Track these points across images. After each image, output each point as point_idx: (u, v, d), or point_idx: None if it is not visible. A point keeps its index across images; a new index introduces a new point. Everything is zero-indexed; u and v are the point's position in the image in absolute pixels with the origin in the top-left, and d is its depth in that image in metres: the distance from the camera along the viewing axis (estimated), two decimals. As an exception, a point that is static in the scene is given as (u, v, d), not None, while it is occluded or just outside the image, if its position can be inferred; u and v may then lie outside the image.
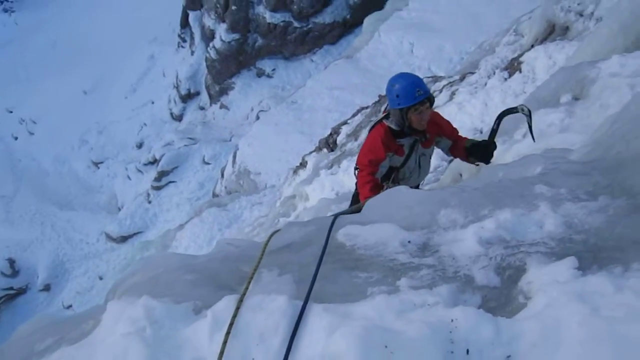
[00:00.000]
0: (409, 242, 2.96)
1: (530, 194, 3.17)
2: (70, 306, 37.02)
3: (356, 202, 5.71)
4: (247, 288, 2.67)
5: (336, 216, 3.41)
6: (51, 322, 3.80)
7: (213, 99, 43.57)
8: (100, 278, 38.04)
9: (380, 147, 4.97)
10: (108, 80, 52.60)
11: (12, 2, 69.31)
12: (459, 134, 5.56)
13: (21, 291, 40.91)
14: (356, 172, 5.23)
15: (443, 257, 2.80)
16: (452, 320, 2.23)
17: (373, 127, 5.24)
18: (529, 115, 5.15)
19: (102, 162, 48.16)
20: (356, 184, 5.39)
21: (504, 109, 5.39)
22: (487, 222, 2.93)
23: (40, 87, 54.83)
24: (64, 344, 2.93)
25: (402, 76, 4.84)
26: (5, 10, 67.97)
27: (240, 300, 2.56)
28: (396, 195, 3.60)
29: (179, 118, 46.28)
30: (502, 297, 2.50)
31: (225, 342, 2.31)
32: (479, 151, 5.25)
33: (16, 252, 42.61)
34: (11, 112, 55.19)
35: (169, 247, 29.73)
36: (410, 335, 2.13)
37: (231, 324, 2.40)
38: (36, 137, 52.27)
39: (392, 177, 5.23)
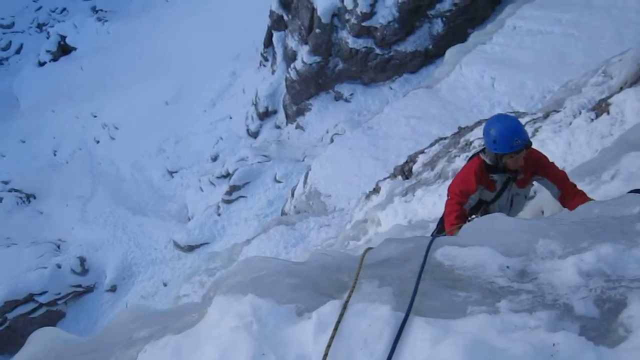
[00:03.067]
0: (508, 267, 3.02)
1: (631, 231, 3.19)
2: (133, 309, 37.80)
3: (442, 227, 5.76)
4: (350, 295, 2.79)
5: (434, 237, 3.49)
6: (148, 313, 4.00)
7: (289, 118, 44.11)
8: (165, 284, 38.80)
9: (472, 180, 4.98)
10: (189, 93, 53.96)
11: (106, 12, 72.18)
12: (569, 181, 5.19)
13: (89, 289, 42.10)
14: (446, 199, 5.28)
15: (542, 285, 2.85)
16: (553, 344, 2.29)
17: (470, 158, 5.26)
18: None
19: (176, 172, 49.28)
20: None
21: (634, 189, 4.81)
22: (587, 255, 2.96)
23: (124, 94, 56.75)
24: (169, 333, 3.11)
25: (501, 121, 4.70)
26: (99, 19, 70.80)
27: (345, 306, 2.67)
28: (493, 222, 3.67)
29: (254, 135, 46.99)
30: (601, 328, 2.54)
31: (330, 344, 2.43)
32: None
33: (88, 252, 43.96)
34: (95, 116, 57.29)
35: (235, 260, 30.08)
36: (514, 353, 2.20)
37: (336, 327, 2.52)
38: (117, 142, 54.01)
39: (482, 209, 5.23)
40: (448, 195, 5.28)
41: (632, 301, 2.58)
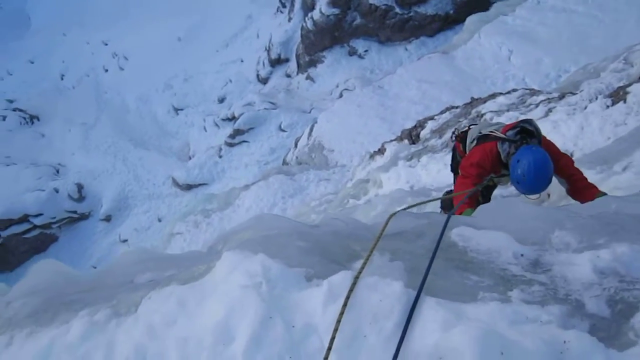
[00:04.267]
0: (522, 255, 2.99)
1: (650, 232, 3.15)
2: (126, 240, 38.16)
3: (449, 204, 5.72)
4: (363, 267, 2.76)
5: (449, 215, 3.45)
6: (151, 257, 3.98)
7: (301, 68, 43.76)
8: (159, 220, 39.03)
9: (488, 164, 4.92)
10: (203, 32, 53.45)
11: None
12: (578, 174, 5.06)
13: (83, 217, 42.39)
14: (455, 176, 5.22)
15: (555, 277, 2.82)
16: (564, 342, 2.27)
17: (484, 140, 5.12)
18: None
19: (182, 109, 49.14)
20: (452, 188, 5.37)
21: None
22: (603, 252, 2.93)
23: (137, 26, 56.26)
24: (174, 282, 3.09)
25: (537, 166, 4.39)
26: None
27: (357, 277, 2.65)
28: (510, 206, 3.63)
29: (264, 81, 46.72)
30: (611, 329, 2.52)
31: (340, 319, 2.41)
32: None
33: (86, 179, 44.14)
34: (106, 44, 56.89)
35: (231, 204, 30.23)
36: (526, 347, 2.18)
37: (346, 301, 2.50)
38: (125, 73, 53.74)
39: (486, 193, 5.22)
40: (460, 172, 5.20)
41: (645, 305, 2.56)
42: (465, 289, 2.72)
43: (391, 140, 19.67)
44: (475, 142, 5.33)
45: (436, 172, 13.50)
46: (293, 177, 29.81)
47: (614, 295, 2.68)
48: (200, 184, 40.45)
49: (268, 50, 46.76)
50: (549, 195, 8.22)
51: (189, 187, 40.72)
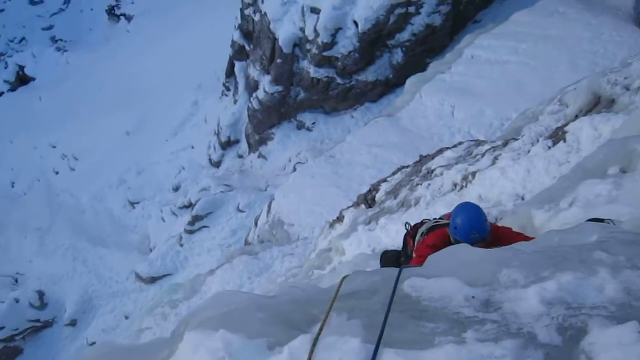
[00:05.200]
0: (473, 297, 3.11)
1: (590, 259, 3.30)
2: (94, 343, 37.09)
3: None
4: (321, 328, 2.83)
5: (401, 268, 3.57)
6: (113, 350, 3.97)
7: (252, 147, 44.12)
8: (126, 317, 38.16)
9: (441, 245, 5.25)
10: (151, 123, 53.66)
11: (65, 42, 71.65)
12: (524, 236, 5.60)
13: (47, 324, 41.16)
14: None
15: (506, 314, 2.94)
16: (519, 374, 2.37)
17: (435, 227, 5.72)
18: None
19: (138, 203, 48.73)
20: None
21: (590, 218, 5.31)
22: (548, 284, 3.07)
23: (84, 125, 56.15)
24: (138, 371, 3.11)
25: (465, 211, 5.16)
26: (59, 49, 70.18)
27: (316, 339, 2.72)
28: (457, 252, 3.76)
29: (217, 164, 46.85)
30: (564, 356, 2.62)
31: (303, 377, 2.47)
32: None
33: (46, 285, 43.08)
34: (54, 147, 56.53)
35: (198, 291, 29.83)
36: (481, 384, 2.27)
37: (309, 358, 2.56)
38: (76, 174, 53.30)
39: None
40: (414, 255, 5.71)
41: (592, 328, 2.68)
42: (422, 336, 2.81)
43: (348, 207, 19.86)
44: (424, 232, 5.92)
45: (395, 233, 13.66)
46: (257, 256, 29.65)
47: (562, 322, 2.80)
48: (164, 275, 39.82)
49: (217, 134, 47.09)
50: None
51: (152, 279, 40.03)
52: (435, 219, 6.15)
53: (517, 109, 23.92)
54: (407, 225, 6.86)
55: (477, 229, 5.04)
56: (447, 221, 5.54)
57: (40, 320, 41.02)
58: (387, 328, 2.84)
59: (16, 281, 43.99)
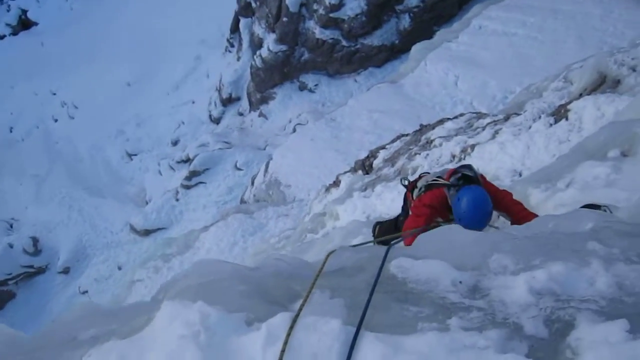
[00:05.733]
0: (460, 282, 3.02)
1: (583, 249, 3.21)
2: (86, 292, 37.37)
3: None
4: (302, 307, 2.75)
5: (389, 247, 3.48)
6: (95, 312, 3.91)
7: (253, 106, 43.86)
8: (119, 268, 38.35)
9: (438, 206, 5.29)
10: (153, 75, 53.22)
11: (70, -13, 70.62)
12: (522, 208, 5.48)
13: (40, 271, 41.39)
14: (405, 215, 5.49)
15: (493, 302, 2.86)
16: (502, 367, 2.29)
17: (431, 188, 5.49)
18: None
19: (136, 155, 48.65)
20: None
21: (588, 203, 5.19)
22: (538, 273, 2.98)
23: (86, 73, 55.66)
24: (114, 337, 3.03)
25: (476, 204, 4.85)
26: (63, -5, 69.20)
27: (295, 318, 2.64)
28: (449, 233, 3.67)
29: (217, 121, 46.64)
30: (549, 349, 2.55)
31: (280, 357, 2.39)
32: None
33: (41, 232, 43.19)
34: (55, 94, 56.15)
35: (191, 247, 29.93)
36: (462, 376, 2.19)
37: (286, 341, 2.48)
38: (76, 122, 53.07)
39: None
40: (412, 212, 5.56)
41: (580, 323, 2.60)
42: (405, 320, 2.74)
43: (345, 172, 19.77)
44: (422, 189, 5.70)
45: (390, 201, 13.58)
46: (252, 215, 29.69)
47: (550, 315, 2.72)
48: (158, 229, 39.94)
49: (219, 90, 46.76)
50: (499, 216, 8.34)
51: (147, 232, 40.16)
52: (434, 175, 5.84)
53: (522, 83, 23.72)
54: (403, 181, 6.67)
55: (484, 220, 4.89)
56: (445, 182, 5.32)
57: (33, 267, 41.25)
58: (370, 310, 2.77)
59: (11, 227, 44.11)
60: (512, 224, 5.36)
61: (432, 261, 3.22)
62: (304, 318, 2.69)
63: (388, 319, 2.76)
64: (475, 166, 5.51)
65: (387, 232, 6.51)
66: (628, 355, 2.24)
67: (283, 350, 2.42)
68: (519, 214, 5.29)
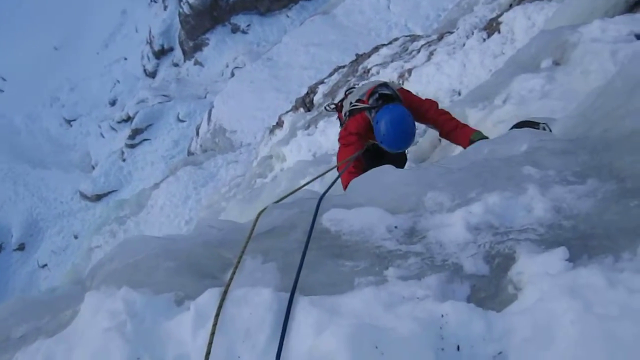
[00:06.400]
0: (396, 227, 2.89)
1: (519, 175, 3.10)
2: (45, 265, 36.92)
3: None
4: (231, 280, 2.60)
5: (320, 199, 3.32)
6: (26, 306, 3.70)
7: (187, 55, 42.96)
8: (75, 237, 37.88)
9: (364, 131, 5.05)
10: (79, 36, 51.56)
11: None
12: (449, 117, 5.23)
13: (-5, 250, 40.69)
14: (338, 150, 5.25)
15: (430, 244, 2.74)
16: (442, 316, 2.19)
17: (355, 111, 5.22)
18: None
19: (74, 120, 47.51)
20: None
21: (524, 120, 5.01)
22: (475, 206, 2.87)
23: (8, 43, 53.52)
24: (42, 336, 2.85)
25: (395, 125, 4.64)
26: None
27: (224, 294, 2.48)
28: (381, 176, 3.52)
29: (152, 75, 45.64)
30: (491, 286, 2.46)
31: (210, 342, 2.25)
32: None
33: (-11, 212, 42.26)
34: (-21, 68, 53.99)
35: (144, 206, 29.59)
36: (401, 333, 2.08)
37: (215, 321, 2.33)
38: (6, 95, 51.34)
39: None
40: (340, 143, 5.28)
41: (520, 255, 2.51)
42: (341, 277, 2.60)
43: (287, 112, 19.54)
44: (347, 115, 5.42)
45: (334, 136, 13.46)
46: (201, 166, 29.38)
47: (489, 250, 2.62)
48: (109, 192, 39.43)
49: (150, 43, 45.60)
50: (440, 140, 8.29)
51: (98, 197, 39.60)
52: (355, 96, 5.45)
53: (453, -1, 23.54)
54: (329, 107, 6.50)
55: (407, 140, 4.72)
56: (365, 105, 5.06)
57: (-13, 247, 40.49)
58: (304, 270, 2.62)
59: (-44, 209, 42.99)
60: (440, 135, 5.27)
61: (366, 209, 3.08)
62: (235, 290, 2.53)
63: (323, 278, 2.62)
64: (393, 81, 5.26)
65: None
66: (568, 285, 2.15)
67: (213, 333, 2.26)
68: (447, 125, 5.12)
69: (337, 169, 5.20)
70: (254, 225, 3.14)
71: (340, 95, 15.85)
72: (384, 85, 5.16)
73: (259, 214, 3.30)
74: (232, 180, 21.67)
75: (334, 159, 11.61)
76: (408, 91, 5.38)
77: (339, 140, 5.39)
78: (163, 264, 2.94)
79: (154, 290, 2.70)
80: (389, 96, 4.96)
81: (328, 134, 14.08)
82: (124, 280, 2.78)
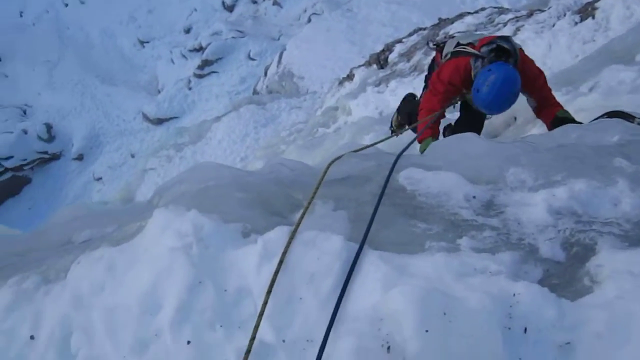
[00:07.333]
0: (474, 197, 2.81)
1: (609, 166, 2.97)
2: (100, 178, 37.84)
3: (409, 121, 5.51)
4: (300, 221, 2.56)
5: (399, 156, 3.24)
6: (90, 213, 3.78)
7: (267, -7, 42.71)
8: (132, 156, 38.61)
9: (458, 81, 4.63)
10: (163, -42, 51.64)
11: None
12: (549, 93, 4.85)
13: (55, 157, 41.77)
14: (423, 92, 4.98)
15: (508, 220, 2.65)
16: (514, 295, 2.12)
17: (457, 55, 4.78)
18: None
19: (148, 42, 47.95)
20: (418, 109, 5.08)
21: (615, 110, 4.57)
22: (559, 190, 2.76)
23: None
24: (105, 244, 2.88)
25: (502, 86, 4.12)
26: None
27: (293, 233, 2.46)
28: (464, 142, 3.43)
29: (230, 8, 45.57)
30: (566, 274, 2.36)
31: (273, 280, 2.23)
32: None
33: (54, 118, 43.28)
34: (63, -25, 54.77)
35: (203, 137, 29.87)
36: (471, 305, 2.02)
37: (282, 260, 2.31)
38: (86, 7, 52.00)
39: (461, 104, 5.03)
40: (428, 87, 4.91)
41: (602, 248, 2.40)
42: (412, 238, 2.54)
43: (359, 66, 19.32)
44: (449, 56, 4.97)
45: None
46: (264, 107, 29.41)
47: (569, 237, 2.52)
48: (171, 118, 39.91)
49: (232, -24, 45.49)
50: (515, 118, 8.06)
51: (160, 121, 40.16)
52: (465, 39, 4.94)
53: (548, -24, 22.68)
54: (430, 44, 5.90)
55: (502, 107, 4.29)
56: (474, 51, 4.53)
57: (48, 153, 41.61)
58: (376, 225, 2.57)
59: (24, 113, 44.13)
60: (535, 109, 4.86)
61: (445, 173, 3.00)
62: (304, 232, 2.50)
63: (394, 236, 2.57)
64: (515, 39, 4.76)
65: (411, 113, 5.96)
66: (652, 288, 2.05)
67: (276, 272, 2.24)
68: (546, 102, 4.75)
69: (417, 117, 4.93)
70: (326, 170, 3.08)
71: (416, 58, 15.61)
72: (506, 38, 4.62)
73: (332, 162, 3.25)
74: (293, 125, 21.65)
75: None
76: (526, 56, 4.84)
77: (429, 81, 4.98)
78: (234, 194, 2.93)
79: (222, 219, 2.69)
80: (506, 51, 4.44)
81: (398, 94, 13.84)
82: (193, 204, 2.78)
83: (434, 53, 5.91)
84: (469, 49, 4.65)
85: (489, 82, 4.11)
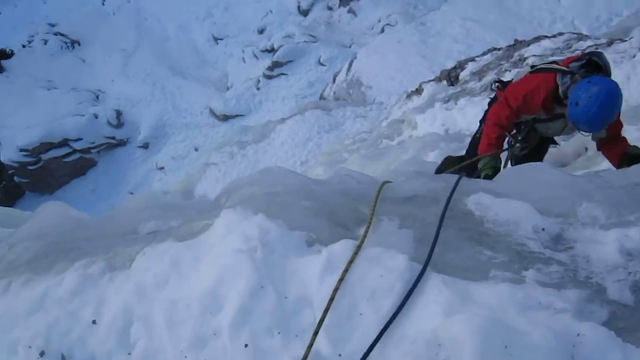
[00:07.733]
0: (543, 229, 2.76)
1: (687, 210, 2.88)
2: (162, 168, 38.50)
3: (475, 147, 5.15)
4: (364, 236, 2.57)
5: (459, 179, 3.19)
6: (158, 204, 3.85)
7: (343, 1, 42.81)
8: (196, 149, 39.16)
9: (537, 101, 4.32)
10: (245, -40, 52.37)
11: None
12: (621, 128, 4.54)
13: (121, 143, 42.72)
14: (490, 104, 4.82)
15: (577, 257, 2.60)
16: (578, 335, 2.07)
17: (540, 70, 4.51)
18: None
19: (221, 39, 48.65)
20: (483, 120, 4.91)
21: None
22: (632, 231, 2.68)
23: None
24: (171, 238, 2.94)
25: (605, 100, 3.84)
26: None
27: (358, 247, 2.46)
28: (535, 172, 3.37)
29: (305, 13, 45.87)
30: (632, 318, 2.30)
31: (336, 289, 2.24)
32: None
33: (125, 106, 44.28)
34: (147, -32, 56.08)
35: (267, 137, 30.11)
36: (533, 340, 1.99)
37: (345, 271, 2.32)
38: (165, 1, 53.11)
39: (529, 127, 4.69)
40: (499, 98, 4.64)
41: (673, 296, 2.33)
42: (477, 264, 2.51)
43: (429, 81, 19.18)
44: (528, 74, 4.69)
45: (473, 117, 13.08)
46: (329, 113, 29.50)
47: (639, 281, 2.46)
48: (237, 115, 40.37)
49: (310, -19, 45.81)
50: (586, 149, 7.89)
51: (225, 117, 40.66)
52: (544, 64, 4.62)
53: (631, 5, 22.14)
54: (494, 85, 5.25)
55: (605, 118, 3.94)
56: (561, 67, 4.22)
57: (115, 138, 42.60)
58: (441, 247, 2.55)
59: (97, 97, 45.34)
60: (597, 143, 4.55)
61: (514, 201, 2.95)
62: (368, 249, 2.51)
63: (458, 260, 2.54)
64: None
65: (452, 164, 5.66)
66: None
67: (341, 280, 2.25)
68: (615, 137, 4.45)
69: (482, 134, 4.69)
70: (378, 192, 3.05)
71: (488, 77, 15.39)
72: (597, 54, 4.26)
73: (383, 183, 3.19)
74: (357, 134, 21.64)
75: (467, 139, 11.34)
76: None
77: (504, 93, 4.62)
78: (300, 202, 2.95)
79: (288, 225, 2.71)
80: (598, 67, 4.13)
81: (466, 113, 13.70)
82: (260, 208, 2.82)
83: (506, 76, 5.70)
84: (555, 66, 4.38)
85: (591, 94, 3.85)
